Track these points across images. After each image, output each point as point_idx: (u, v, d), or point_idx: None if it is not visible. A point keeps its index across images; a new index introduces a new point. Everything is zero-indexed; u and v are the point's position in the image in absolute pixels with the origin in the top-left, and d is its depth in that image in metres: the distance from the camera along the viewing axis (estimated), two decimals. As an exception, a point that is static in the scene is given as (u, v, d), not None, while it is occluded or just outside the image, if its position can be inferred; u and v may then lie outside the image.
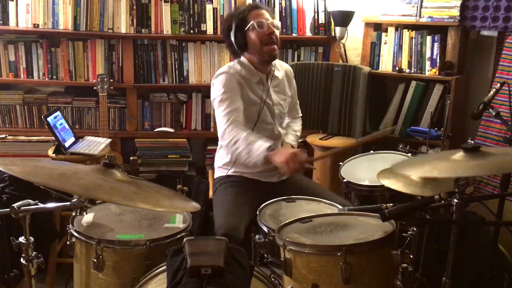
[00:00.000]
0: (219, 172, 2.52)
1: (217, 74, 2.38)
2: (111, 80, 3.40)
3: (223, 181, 2.46)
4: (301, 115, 2.77)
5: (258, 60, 2.40)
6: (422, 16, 3.32)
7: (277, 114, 2.48)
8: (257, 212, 2.10)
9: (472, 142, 1.71)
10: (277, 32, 2.39)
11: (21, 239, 1.55)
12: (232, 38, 2.38)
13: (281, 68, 2.56)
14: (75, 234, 1.82)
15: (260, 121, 2.40)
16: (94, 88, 3.21)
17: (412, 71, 3.41)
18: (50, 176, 1.53)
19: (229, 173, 2.46)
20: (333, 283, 1.65)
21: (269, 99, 2.43)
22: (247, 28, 2.34)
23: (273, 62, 2.47)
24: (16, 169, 1.53)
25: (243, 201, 2.31)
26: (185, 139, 3.47)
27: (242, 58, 2.43)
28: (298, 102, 2.73)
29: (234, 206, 2.26)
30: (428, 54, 3.34)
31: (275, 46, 2.37)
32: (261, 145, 2.15)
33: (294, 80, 2.66)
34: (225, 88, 2.31)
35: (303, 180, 2.55)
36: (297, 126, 2.70)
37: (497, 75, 3.07)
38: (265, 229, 1.97)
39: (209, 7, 3.44)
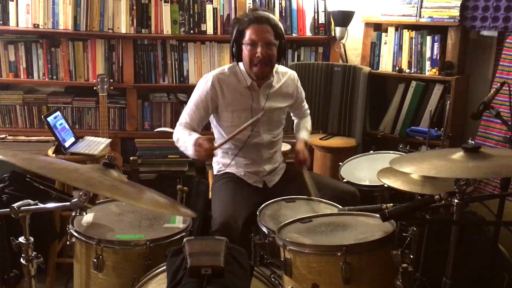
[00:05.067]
0: (216, 166, 2.57)
1: (204, 75, 2.47)
2: (111, 80, 3.40)
3: (221, 177, 2.48)
4: (308, 111, 2.81)
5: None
6: (422, 16, 3.31)
7: (264, 121, 2.44)
8: (257, 213, 2.10)
9: (473, 142, 1.71)
10: (274, 50, 2.34)
11: (21, 239, 1.56)
12: (231, 46, 2.40)
13: (283, 75, 2.54)
14: (75, 234, 1.82)
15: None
16: (94, 88, 3.21)
17: (412, 71, 3.41)
18: (52, 169, 1.53)
19: (227, 170, 2.49)
20: (333, 283, 1.65)
21: (258, 106, 2.42)
22: (243, 41, 2.34)
23: (274, 70, 2.45)
24: (17, 160, 1.54)
25: (241, 194, 2.33)
26: (185, 139, 3.47)
27: (238, 64, 2.43)
28: (304, 102, 2.74)
29: (232, 199, 2.27)
30: (428, 54, 3.34)
31: (264, 68, 2.34)
32: (193, 136, 2.30)
33: (299, 83, 2.64)
34: (197, 92, 2.45)
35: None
36: (308, 124, 2.77)
37: (497, 75, 3.07)
38: (265, 230, 1.98)
39: (209, 7, 3.44)
